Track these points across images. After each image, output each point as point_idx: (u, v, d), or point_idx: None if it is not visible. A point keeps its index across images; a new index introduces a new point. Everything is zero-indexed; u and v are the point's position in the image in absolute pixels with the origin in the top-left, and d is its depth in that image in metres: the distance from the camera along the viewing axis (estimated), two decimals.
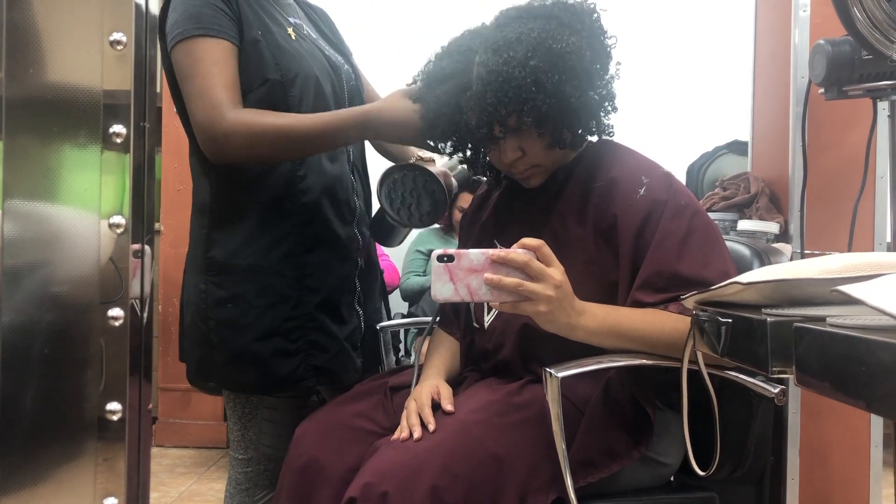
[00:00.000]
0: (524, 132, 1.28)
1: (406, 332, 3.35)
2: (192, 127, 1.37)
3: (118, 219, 0.59)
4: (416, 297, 3.34)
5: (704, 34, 3.72)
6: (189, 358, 1.50)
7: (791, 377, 0.60)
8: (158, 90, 0.63)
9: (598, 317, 1.19)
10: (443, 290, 1.13)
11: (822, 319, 0.55)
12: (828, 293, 0.58)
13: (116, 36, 0.59)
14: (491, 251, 1.12)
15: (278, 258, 1.44)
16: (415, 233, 3.46)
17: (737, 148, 3.19)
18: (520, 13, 1.30)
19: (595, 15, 1.31)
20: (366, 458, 1.23)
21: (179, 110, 1.45)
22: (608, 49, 1.32)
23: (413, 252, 3.45)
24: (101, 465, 0.61)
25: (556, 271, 1.13)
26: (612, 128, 1.36)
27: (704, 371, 0.84)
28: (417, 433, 1.21)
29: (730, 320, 0.65)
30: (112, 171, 0.60)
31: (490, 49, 1.24)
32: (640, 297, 1.25)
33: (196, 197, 1.50)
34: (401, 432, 1.23)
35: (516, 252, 1.12)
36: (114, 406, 0.60)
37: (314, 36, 1.59)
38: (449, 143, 1.38)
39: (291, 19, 1.53)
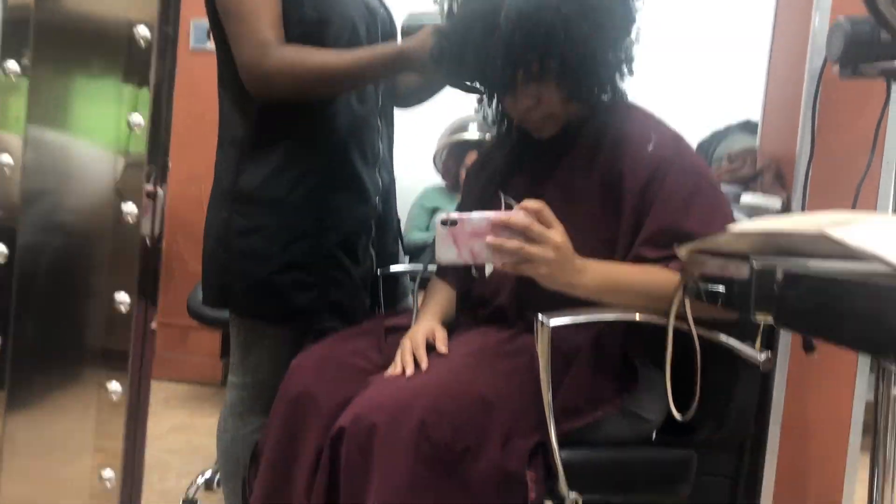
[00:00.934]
0: (544, 80, 1.29)
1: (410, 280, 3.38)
2: (238, 65, 1.40)
3: (136, 117, 0.61)
4: (417, 252, 3.36)
5: (723, 12, 3.69)
6: (208, 284, 1.55)
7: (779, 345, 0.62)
8: None
9: (598, 274, 1.22)
10: (447, 253, 1.15)
11: (803, 266, 0.57)
12: (814, 245, 0.60)
13: None
14: (492, 214, 1.14)
15: (302, 194, 1.48)
16: (419, 189, 3.47)
17: (749, 128, 3.18)
18: None
19: None
20: (358, 392, 1.27)
21: (218, 42, 1.49)
22: (633, 12, 1.33)
23: (417, 207, 3.47)
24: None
25: (556, 233, 1.15)
26: (626, 93, 1.37)
27: (691, 319, 0.87)
28: (410, 370, 1.24)
29: (719, 262, 0.68)
30: (135, 74, 0.61)
31: None
32: (643, 253, 1.27)
33: (225, 130, 1.54)
34: (394, 368, 1.26)
35: (517, 215, 1.14)
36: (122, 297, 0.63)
37: None
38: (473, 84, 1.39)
39: None
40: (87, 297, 0.65)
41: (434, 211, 3.46)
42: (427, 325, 1.37)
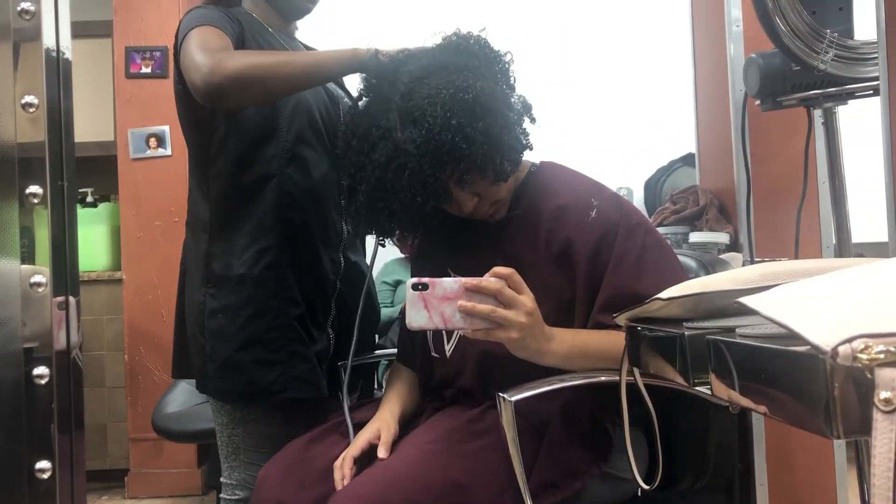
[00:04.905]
0: (471, 180, 1.29)
1: (377, 364, 3.33)
2: (191, 85, 1.34)
3: (38, 278, 0.60)
4: (383, 328, 3.33)
5: (651, 52, 3.79)
6: (195, 370, 1.54)
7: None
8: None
9: (566, 342, 1.22)
10: (417, 317, 1.14)
11: (731, 330, 0.57)
12: (742, 306, 0.60)
13: (28, 98, 0.60)
14: (464, 279, 1.13)
15: (262, 269, 1.48)
16: (380, 264, 3.45)
17: (691, 161, 3.25)
18: (417, 75, 1.29)
19: (481, 42, 1.33)
20: (329, 493, 1.23)
21: (186, 135, 1.54)
22: (505, 67, 1.35)
23: (379, 283, 3.44)
24: None
25: (528, 298, 1.15)
26: (529, 135, 1.37)
27: (641, 384, 0.86)
28: (339, 487, 1.23)
29: (654, 335, 0.67)
30: (29, 231, 0.60)
31: (409, 122, 1.25)
32: (601, 320, 1.27)
33: (193, 216, 1.56)
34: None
35: (489, 280, 1.13)
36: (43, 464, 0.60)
37: None
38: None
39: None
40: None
41: (397, 284, 3.44)
42: (374, 428, 1.33)
